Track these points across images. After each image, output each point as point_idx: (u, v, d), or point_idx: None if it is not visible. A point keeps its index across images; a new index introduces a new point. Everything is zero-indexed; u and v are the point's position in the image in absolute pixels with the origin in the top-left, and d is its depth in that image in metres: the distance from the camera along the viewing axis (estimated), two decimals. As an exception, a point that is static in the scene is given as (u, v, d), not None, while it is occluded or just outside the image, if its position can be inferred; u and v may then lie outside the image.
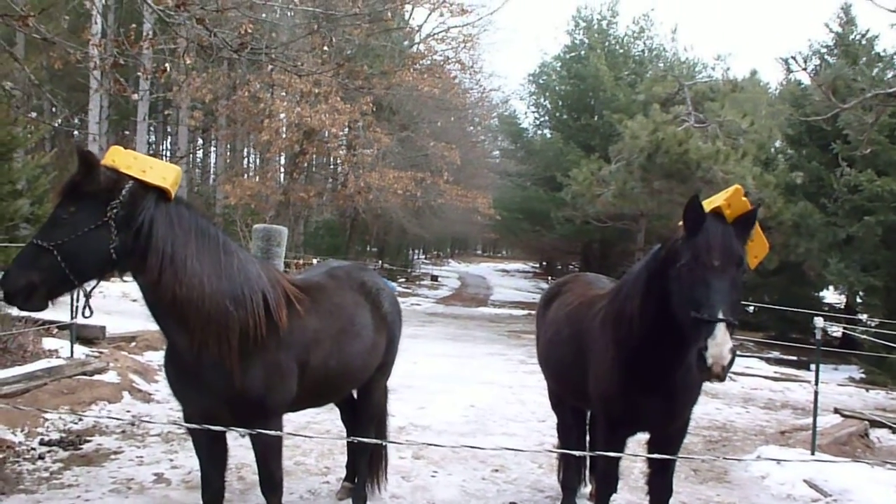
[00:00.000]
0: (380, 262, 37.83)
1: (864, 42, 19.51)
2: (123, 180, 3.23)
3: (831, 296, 25.35)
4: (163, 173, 3.36)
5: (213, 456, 3.94)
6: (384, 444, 4.43)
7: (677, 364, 3.76)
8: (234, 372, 3.49)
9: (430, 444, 4.92)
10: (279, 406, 3.80)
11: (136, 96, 7.13)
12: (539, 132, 41.98)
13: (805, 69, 13.17)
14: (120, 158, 3.31)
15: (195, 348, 3.46)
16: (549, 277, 36.89)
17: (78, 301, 3.52)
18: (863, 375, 15.37)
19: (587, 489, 5.57)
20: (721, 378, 3.14)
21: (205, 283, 3.38)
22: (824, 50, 20.40)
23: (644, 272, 3.88)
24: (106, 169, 3.22)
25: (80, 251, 3.12)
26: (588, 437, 5.51)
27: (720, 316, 3.13)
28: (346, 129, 24.82)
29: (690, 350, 3.41)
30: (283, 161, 31.03)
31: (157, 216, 3.29)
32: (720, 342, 3.08)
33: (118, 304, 14.90)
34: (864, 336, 13.17)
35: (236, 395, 3.54)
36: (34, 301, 3.12)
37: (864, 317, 19.01)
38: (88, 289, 3.36)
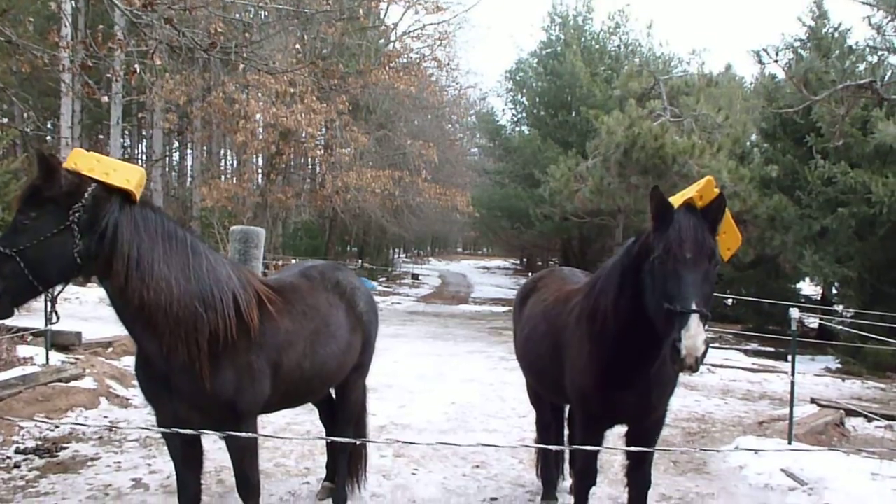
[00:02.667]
0: (360, 261, 37.70)
1: (836, 35, 19.68)
2: (86, 183, 3.18)
3: (807, 288, 25.65)
4: (127, 175, 3.31)
5: (188, 460, 3.90)
6: (357, 442, 4.39)
7: (653, 357, 3.77)
8: (204, 375, 3.46)
9: (408, 443, 4.91)
10: (252, 408, 3.77)
11: (105, 98, 7.04)
12: (517, 129, 42.03)
13: (776, 61, 13.32)
14: (82, 161, 3.25)
15: (165, 352, 3.43)
16: (529, 274, 36.94)
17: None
18: (839, 365, 15.55)
19: (567, 483, 5.59)
20: (694, 369, 3.15)
21: (173, 286, 3.34)
22: (797, 44, 20.57)
23: (618, 266, 3.90)
24: (67, 172, 3.17)
25: (43, 256, 3.07)
26: (567, 432, 5.54)
27: (693, 307, 3.14)
28: (323, 129, 24.73)
29: (665, 343, 3.43)
30: (260, 162, 30.89)
31: (121, 219, 3.25)
32: (693, 334, 3.09)
33: (95, 309, 14.74)
34: (840, 327, 13.35)
35: (207, 398, 3.51)
36: None
37: (839, 308, 19.26)
38: (54, 294, 3.31)
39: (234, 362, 3.60)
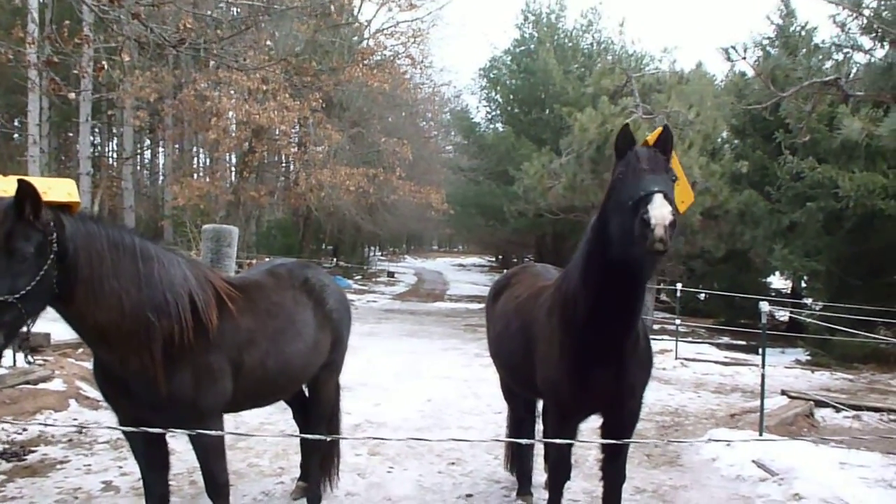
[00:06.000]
0: (335, 259, 37.54)
1: (803, 33, 19.98)
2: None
3: (777, 281, 26.00)
4: (65, 189, 3.18)
5: (152, 461, 3.86)
6: (328, 439, 4.34)
7: (624, 336, 3.83)
8: (159, 380, 3.41)
9: (382, 439, 4.90)
10: (213, 407, 3.72)
11: (72, 95, 6.91)
12: (491, 127, 42.03)
13: (744, 58, 13.47)
14: (9, 186, 3.03)
15: (118, 361, 3.38)
16: (504, 270, 37.02)
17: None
18: (808, 358, 15.80)
19: (542, 478, 5.61)
20: (665, 242, 3.03)
21: (123, 301, 3.26)
22: (766, 41, 20.85)
23: (584, 246, 3.93)
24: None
25: (38, 294, 2.93)
26: (540, 427, 5.55)
27: (655, 189, 3.16)
28: (297, 127, 24.60)
29: (637, 300, 3.69)
30: (232, 160, 30.60)
31: (76, 239, 3.12)
32: (659, 205, 3.06)
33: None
34: (809, 319, 13.54)
35: (165, 400, 3.46)
36: None
37: (808, 301, 19.57)
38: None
39: (192, 363, 3.54)
